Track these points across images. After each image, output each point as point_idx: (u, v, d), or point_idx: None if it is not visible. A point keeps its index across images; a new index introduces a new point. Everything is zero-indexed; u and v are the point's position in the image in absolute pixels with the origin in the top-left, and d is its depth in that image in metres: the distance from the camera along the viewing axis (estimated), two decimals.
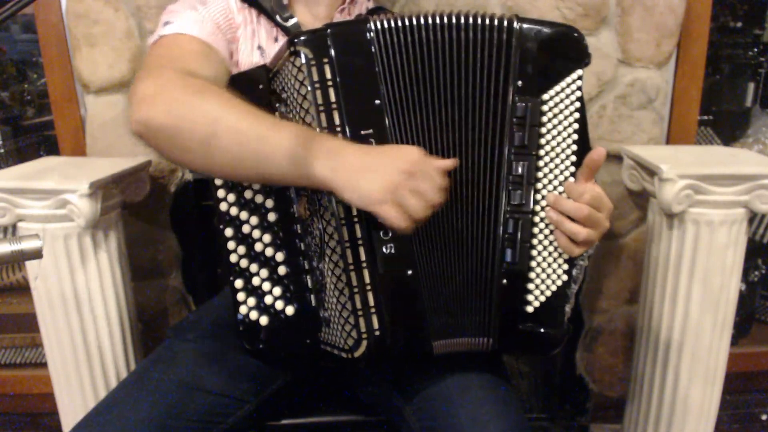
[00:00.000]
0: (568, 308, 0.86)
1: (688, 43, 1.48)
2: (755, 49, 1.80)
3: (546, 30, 0.83)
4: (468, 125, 0.81)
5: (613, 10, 1.42)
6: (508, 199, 0.83)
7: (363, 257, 0.79)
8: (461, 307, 0.84)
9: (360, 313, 0.79)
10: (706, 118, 1.79)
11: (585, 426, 1.70)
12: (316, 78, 0.77)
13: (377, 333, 0.80)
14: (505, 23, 0.81)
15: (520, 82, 0.81)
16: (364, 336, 0.79)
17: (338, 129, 0.77)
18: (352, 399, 1.05)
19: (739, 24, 1.77)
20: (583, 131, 0.83)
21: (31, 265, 1.22)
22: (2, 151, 1.78)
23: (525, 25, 0.82)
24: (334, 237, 0.79)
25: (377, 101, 0.79)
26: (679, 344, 1.30)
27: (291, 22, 1.00)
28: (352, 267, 0.79)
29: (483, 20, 0.81)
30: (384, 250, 0.79)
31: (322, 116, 0.77)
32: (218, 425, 0.89)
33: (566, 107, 0.83)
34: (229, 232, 0.86)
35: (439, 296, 0.82)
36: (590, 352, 1.66)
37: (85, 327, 1.23)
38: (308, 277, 0.85)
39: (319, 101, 0.77)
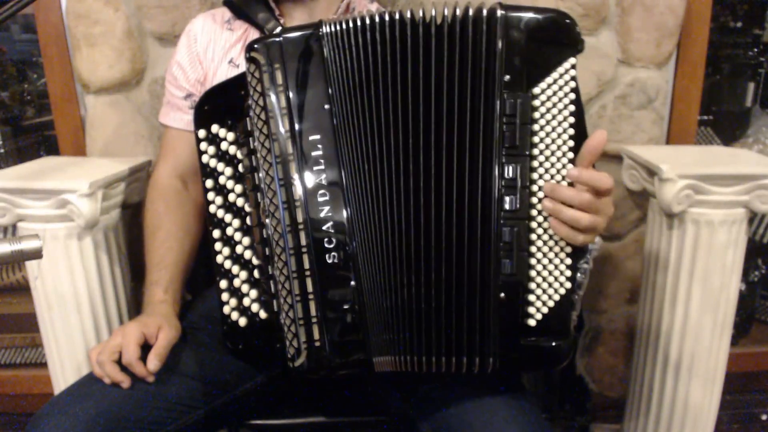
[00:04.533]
0: (574, 315, 0.81)
1: (688, 43, 1.48)
2: (755, 49, 1.80)
3: (533, 16, 0.76)
4: (435, 125, 0.76)
5: (613, 10, 1.41)
6: (501, 205, 0.76)
7: (306, 265, 0.78)
8: (419, 322, 0.79)
9: (301, 322, 0.79)
10: (706, 118, 1.79)
11: (585, 426, 1.69)
12: (267, 84, 0.78)
13: (317, 344, 0.79)
14: (485, 13, 0.75)
15: (507, 77, 0.75)
16: (305, 346, 0.79)
17: (288, 135, 0.77)
18: (352, 399, 1.05)
19: (739, 24, 1.77)
20: (579, 124, 0.77)
21: (31, 265, 1.22)
22: (2, 151, 1.78)
23: (510, 14, 0.75)
24: (279, 244, 0.79)
25: (326, 106, 0.78)
26: (679, 344, 1.30)
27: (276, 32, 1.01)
28: (295, 275, 0.78)
29: (466, 12, 0.76)
30: (328, 259, 0.78)
31: (272, 122, 0.78)
32: (196, 410, 0.91)
33: (560, 100, 0.76)
34: (216, 233, 0.88)
35: (388, 310, 0.79)
36: (590, 352, 1.66)
37: (85, 327, 1.23)
38: (271, 282, 0.84)
39: (269, 107, 0.78)
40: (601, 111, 1.46)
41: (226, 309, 0.88)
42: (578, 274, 0.80)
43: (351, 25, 0.78)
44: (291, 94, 0.78)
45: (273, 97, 0.78)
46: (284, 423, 1.04)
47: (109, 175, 1.22)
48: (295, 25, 0.83)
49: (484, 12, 0.75)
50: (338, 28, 0.78)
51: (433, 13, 0.76)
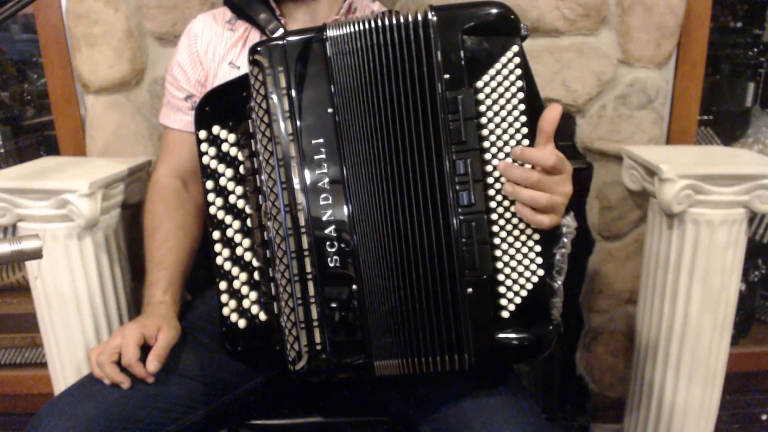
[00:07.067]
0: (557, 302, 0.81)
1: (688, 43, 1.48)
2: (755, 49, 1.80)
3: (464, 13, 0.77)
4: (404, 129, 0.78)
5: (613, 10, 1.41)
6: (458, 202, 0.77)
7: (308, 269, 0.78)
8: (415, 324, 0.79)
9: (302, 326, 0.79)
10: (706, 118, 1.79)
11: (585, 426, 1.69)
12: (270, 87, 0.78)
13: (318, 347, 0.79)
14: (420, 17, 0.76)
15: (447, 75, 0.76)
16: (306, 350, 0.79)
17: (290, 138, 0.77)
18: (351, 399, 1.05)
19: (739, 24, 1.78)
20: (533, 110, 0.77)
21: (31, 265, 1.22)
22: (2, 151, 1.78)
23: (442, 14, 0.76)
24: (281, 247, 0.79)
25: (330, 109, 0.78)
26: (679, 344, 1.30)
27: (279, 34, 1.01)
28: (297, 278, 0.78)
29: (398, 19, 0.77)
30: (329, 262, 0.78)
31: (275, 125, 0.78)
32: (196, 410, 0.91)
33: (506, 90, 0.76)
34: (216, 235, 0.88)
35: (386, 313, 0.79)
36: (590, 352, 1.66)
37: (85, 327, 1.23)
38: (272, 284, 0.84)
39: (272, 110, 0.78)
40: (601, 111, 1.46)
41: (225, 310, 0.88)
42: (556, 259, 0.80)
43: (355, 28, 0.78)
44: (294, 97, 0.78)
45: (276, 100, 0.78)
46: (284, 423, 1.04)
47: (109, 175, 1.22)
48: (298, 29, 0.83)
49: (419, 16, 0.76)
50: (342, 31, 0.78)
51: (379, 23, 0.77)
